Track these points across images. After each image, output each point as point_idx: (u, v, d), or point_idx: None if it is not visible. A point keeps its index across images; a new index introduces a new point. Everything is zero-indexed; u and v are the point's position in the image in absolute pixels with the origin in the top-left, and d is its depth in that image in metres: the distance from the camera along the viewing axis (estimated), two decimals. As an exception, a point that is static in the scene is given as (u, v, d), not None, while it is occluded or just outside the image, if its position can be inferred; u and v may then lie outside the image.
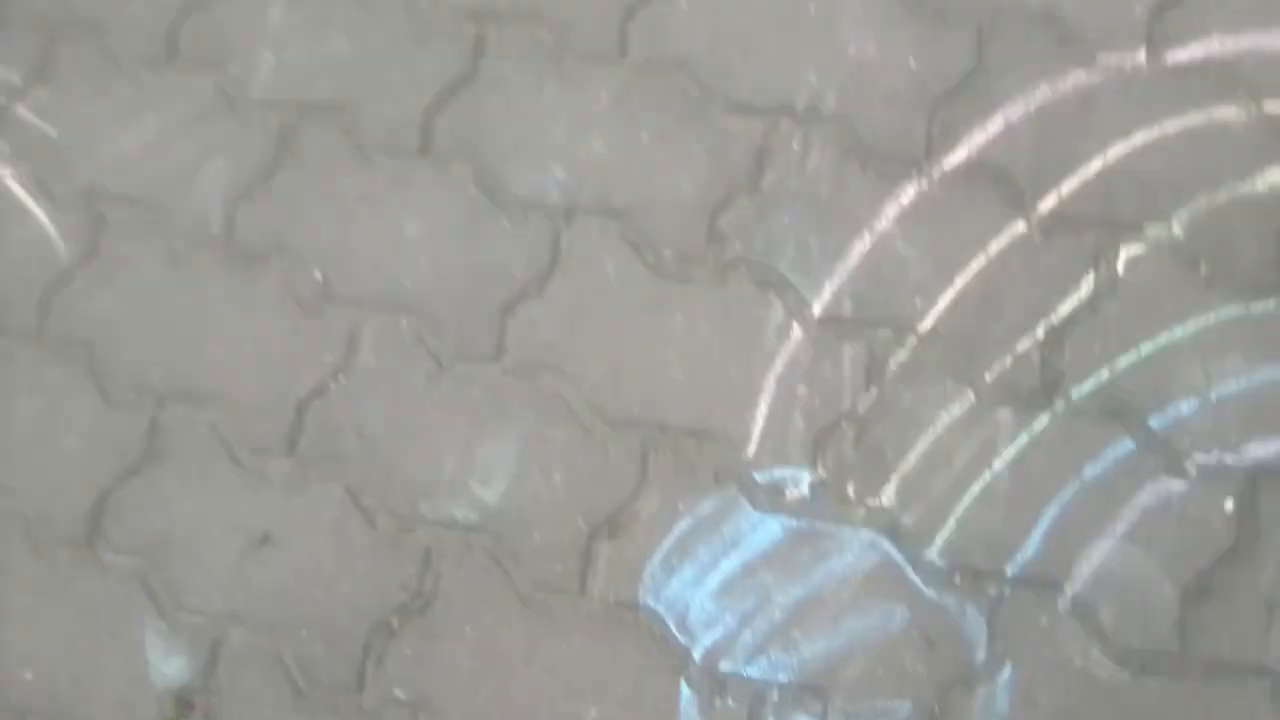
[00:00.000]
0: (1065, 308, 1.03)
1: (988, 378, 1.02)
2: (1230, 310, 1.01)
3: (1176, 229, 1.04)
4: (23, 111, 1.34)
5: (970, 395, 1.01)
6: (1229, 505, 0.93)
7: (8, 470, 1.18)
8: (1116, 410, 0.98)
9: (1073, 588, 0.93)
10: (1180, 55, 1.10)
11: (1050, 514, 0.96)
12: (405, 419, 1.12)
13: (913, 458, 1.00)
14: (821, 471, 1.01)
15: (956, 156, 1.11)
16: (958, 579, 0.95)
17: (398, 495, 1.09)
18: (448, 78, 1.24)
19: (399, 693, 1.03)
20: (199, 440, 1.15)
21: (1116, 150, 1.08)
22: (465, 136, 1.22)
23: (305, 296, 1.19)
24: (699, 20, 1.21)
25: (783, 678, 0.96)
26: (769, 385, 1.05)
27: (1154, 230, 1.05)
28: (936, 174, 1.10)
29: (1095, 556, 0.94)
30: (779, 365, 1.06)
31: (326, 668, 1.05)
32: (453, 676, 1.02)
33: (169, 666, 1.08)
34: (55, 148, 1.32)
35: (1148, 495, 0.95)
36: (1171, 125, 1.08)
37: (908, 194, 1.10)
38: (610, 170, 1.17)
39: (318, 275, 1.19)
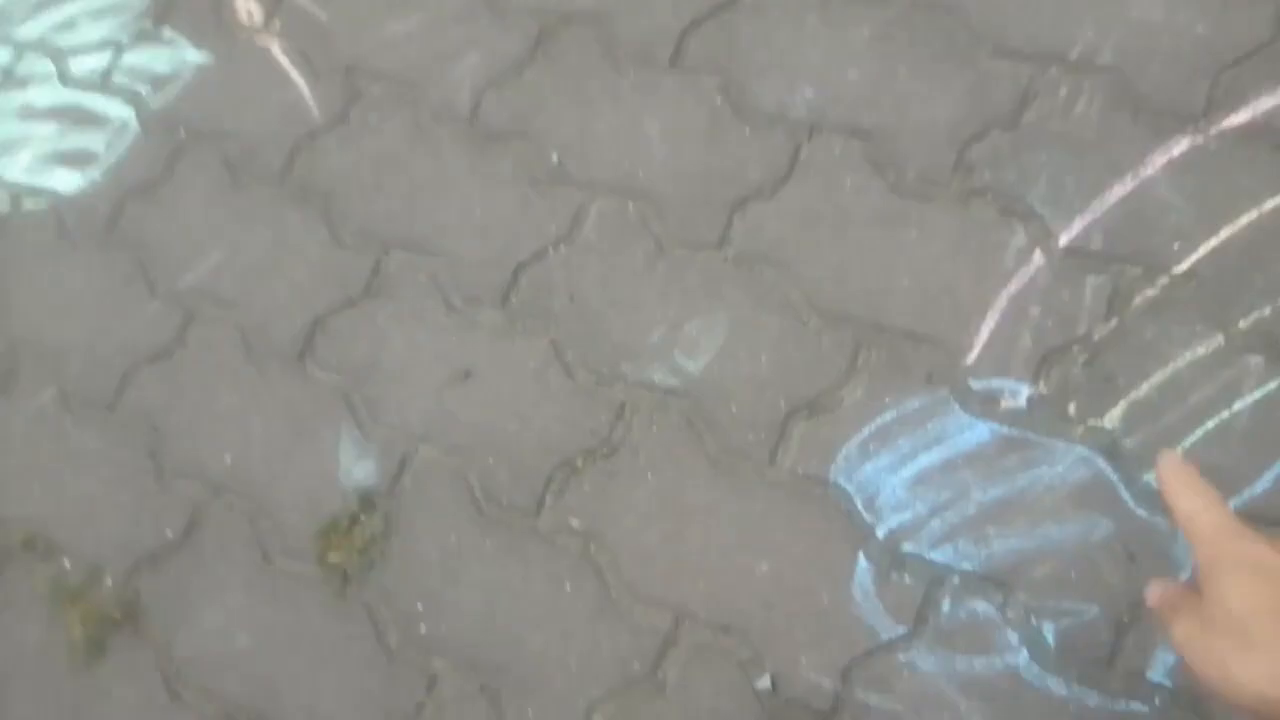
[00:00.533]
0: (1339, 269, 1.30)
1: (1242, 324, 1.28)
2: None
3: None
4: (298, -4, 1.92)
5: (1220, 338, 1.28)
6: None
7: (234, 289, 1.66)
8: (1382, 371, 1.23)
9: (1303, 528, 1.17)
10: None
11: (1290, 457, 1.20)
12: (618, 290, 1.51)
13: (1145, 387, 1.27)
14: (1043, 388, 1.30)
15: (1238, 118, 1.41)
16: (1176, 504, 1.20)
17: (601, 354, 1.47)
18: (709, 2, 1.70)
19: (574, 521, 1.38)
20: (417, 285, 1.59)
21: None
22: (718, 54, 1.65)
23: (538, 175, 1.63)
24: (977, -30, 1.61)
25: (966, 566, 1.23)
26: (1000, 302, 1.37)
27: None
28: (1214, 131, 1.41)
29: (1335, 502, 1.17)
30: (1014, 286, 1.37)
31: (508, 491, 1.42)
32: (628, 515, 1.36)
33: (358, 470, 1.49)
34: (323, 29, 1.86)
35: (1406, 454, 1.17)
36: None
37: (1180, 146, 1.42)
38: (861, 96, 1.56)
39: (554, 158, 1.63)
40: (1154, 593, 0.99)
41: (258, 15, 1.91)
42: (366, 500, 1.47)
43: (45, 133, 1.93)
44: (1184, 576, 1.17)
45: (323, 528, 1.47)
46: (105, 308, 1.72)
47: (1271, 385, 1.25)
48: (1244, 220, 1.35)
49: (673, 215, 1.54)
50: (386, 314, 1.59)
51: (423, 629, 1.40)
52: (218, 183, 1.77)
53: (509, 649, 1.35)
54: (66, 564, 1.57)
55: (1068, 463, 1.25)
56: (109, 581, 1.54)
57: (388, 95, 1.77)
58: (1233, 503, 1.19)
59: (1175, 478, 1.02)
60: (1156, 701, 1.13)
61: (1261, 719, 0.71)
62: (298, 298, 1.63)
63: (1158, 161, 1.41)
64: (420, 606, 1.40)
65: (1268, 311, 1.29)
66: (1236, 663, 0.72)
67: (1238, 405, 1.25)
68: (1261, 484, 1.20)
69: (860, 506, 1.29)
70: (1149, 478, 1.22)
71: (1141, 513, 1.21)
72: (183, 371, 1.64)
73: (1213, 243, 1.35)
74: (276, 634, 1.45)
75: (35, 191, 1.86)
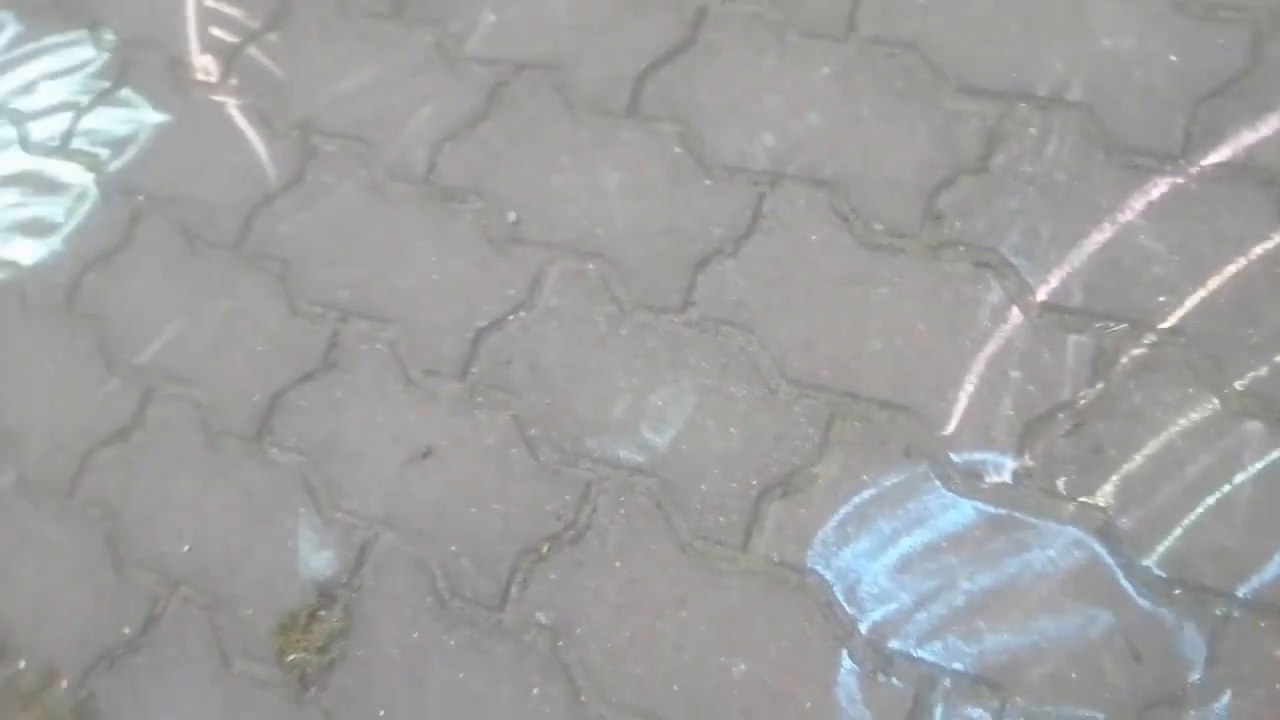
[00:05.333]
0: (1338, 320, 1.06)
1: (1238, 386, 1.05)
2: None
3: None
4: (254, 52, 1.66)
5: (1214, 403, 1.05)
6: None
7: (192, 364, 1.42)
8: (1393, 434, 1.00)
9: (1321, 619, 0.94)
10: None
11: (1300, 536, 0.98)
12: (581, 359, 1.27)
13: (1139, 459, 1.04)
14: (1029, 460, 1.07)
15: (1219, 155, 1.18)
16: (1178, 592, 0.97)
17: (564, 430, 1.23)
18: (666, 45, 1.44)
19: (541, 616, 1.15)
20: (376, 356, 1.35)
21: None
22: (676, 100, 1.41)
23: (496, 235, 1.39)
24: (936, 3, 1.36)
25: (958, 666, 1.00)
26: (978, 366, 1.13)
27: None
28: (1194, 170, 1.17)
29: (1353, 588, 0.95)
30: (991, 347, 1.14)
31: (472, 583, 1.19)
32: (598, 608, 1.13)
33: (317, 560, 1.26)
34: (279, 86, 1.61)
35: None
36: None
37: (1159, 188, 1.18)
38: (824, 141, 1.32)
39: (511, 216, 1.39)
40: None
41: (214, 72, 1.66)
42: (326, 593, 1.24)
43: (7, 201, 1.67)
44: (1194, 677, 0.95)
45: (282, 624, 1.24)
46: (65, 385, 1.48)
47: (1273, 454, 1.02)
48: (1231, 268, 1.12)
49: (634, 276, 1.30)
50: (344, 388, 1.35)
51: (383, 741, 1.17)
52: (175, 250, 1.52)
53: (474, 772, 1.13)
54: (21, 664, 1.34)
55: (1060, 546, 1.03)
56: (64, 683, 1.31)
57: (343, 153, 1.52)
58: (1240, 590, 0.97)
59: None
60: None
61: None
62: (255, 372, 1.39)
63: (1136, 205, 1.17)
64: (382, 713, 1.18)
65: (1264, 371, 1.06)
66: None
67: (1239, 478, 1.02)
68: (1271, 569, 0.97)
69: (840, 597, 1.06)
70: (1149, 562, 1.00)
71: (1144, 603, 0.98)
72: (141, 454, 1.40)
73: (1200, 294, 1.11)
74: (233, 752, 1.22)
75: (-1, 263, 1.62)
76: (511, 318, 1.32)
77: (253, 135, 1.58)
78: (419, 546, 1.23)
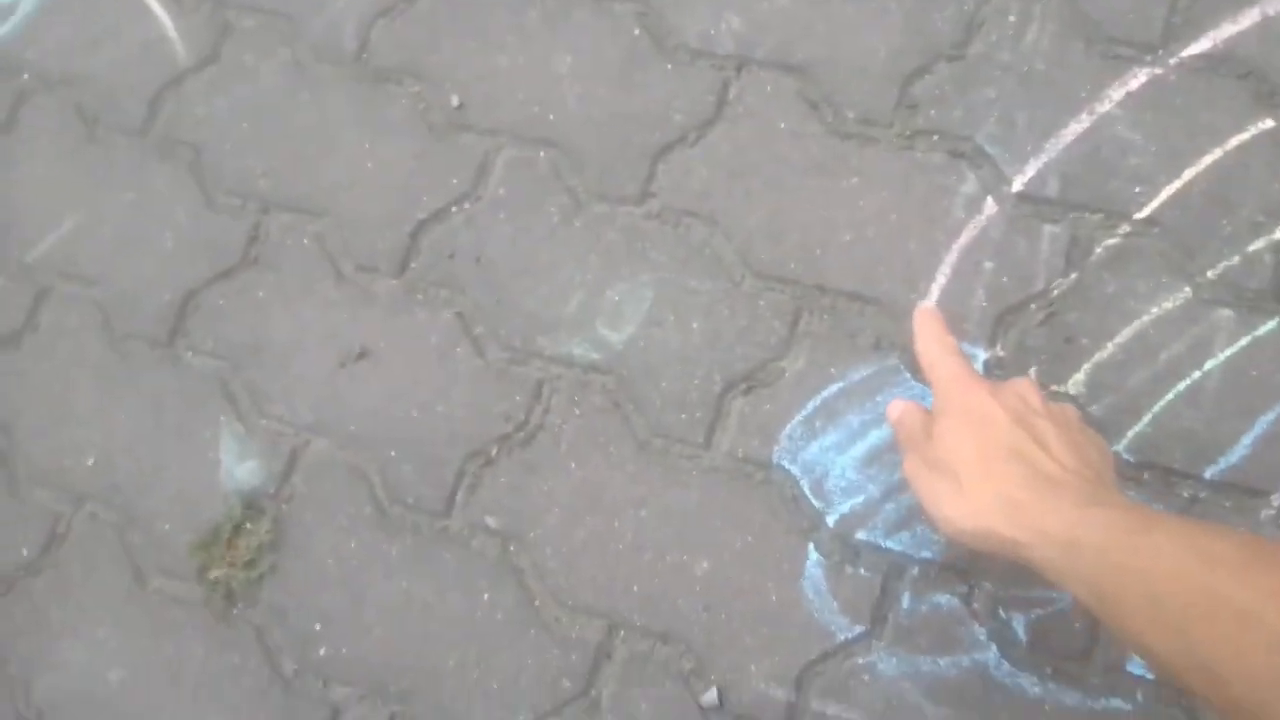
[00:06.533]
0: (1312, 211, 1.21)
1: (1210, 275, 1.20)
2: None
3: None
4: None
5: (1186, 291, 1.20)
6: None
7: (92, 262, 1.50)
8: (1361, 323, 1.15)
9: (1281, 500, 1.10)
10: None
11: (1266, 420, 1.13)
12: (531, 252, 1.37)
13: (1110, 347, 1.19)
14: (1000, 351, 1.21)
15: (1198, 46, 1.32)
16: (1146, 476, 1.13)
17: (513, 328, 1.35)
18: (622, -81, 1.53)
19: (490, 521, 1.27)
20: (302, 251, 1.44)
21: (1395, 54, 1.27)
22: (634, -21, 1.50)
23: (437, 121, 1.47)
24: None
25: (926, 554, 1.15)
26: (950, 257, 1.27)
27: None
28: (1173, 62, 1.31)
29: (1314, 470, 1.10)
30: (965, 238, 1.27)
31: (413, 489, 1.31)
32: (551, 511, 1.26)
33: (241, 470, 1.35)
34: (185, -47, 1.67)
35: (1387, 414, 1.10)
36: None
37: (1137, 79, 1.32)
38: (794, 25, 1.44)
39: (454, 100, 1.48)
40: (894, 408, 1.05)
41: (105, -64, 1.69)
42: (252, 504, 1.34)
43: None
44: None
45: (202, 539, 1.34)
46: (-58, 286, 1.53)
47: (1243, 341, 1.17)
48: (1207, 160, 1.26)
49: (589, 165, 1.41)
50: (268, 286, 1.44)
51: (322, 652, 1.28)
52: (70, 135, 1.59)
53: (421, 673, 1.24)
54: (-96, 594, 1.42)
55: (1029, 435, 1.16)
56: (-44, 616, 1.39)
57: (263, 30, 1.60)
58: (1208, 473, 1.12)
59: (924, 327, 1.06)
60: (1139, 697, 1.07)
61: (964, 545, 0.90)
62: (166, 270, 1.47)
63: (1115, 96, 1.31)
64: (318, 627, 1.29)
65: (1236, 260, 1.21)
66: (948, 502, 0.89)
67: (1209, 365, 1.17)
68: (1238, 451, 1.13)
69: (807, 491, 1.20)
70: (1119, 448, 1.14)
71: (1111, 488, 1.12)
72: (34, 360, 1.48)
73: (1176, 185, 1.26)
74: (153, 667, 1.31)
75: None
76: (455, 209, 1.42)
77: (157, 8, 1.64)
78: (354, 453, 1.34)
